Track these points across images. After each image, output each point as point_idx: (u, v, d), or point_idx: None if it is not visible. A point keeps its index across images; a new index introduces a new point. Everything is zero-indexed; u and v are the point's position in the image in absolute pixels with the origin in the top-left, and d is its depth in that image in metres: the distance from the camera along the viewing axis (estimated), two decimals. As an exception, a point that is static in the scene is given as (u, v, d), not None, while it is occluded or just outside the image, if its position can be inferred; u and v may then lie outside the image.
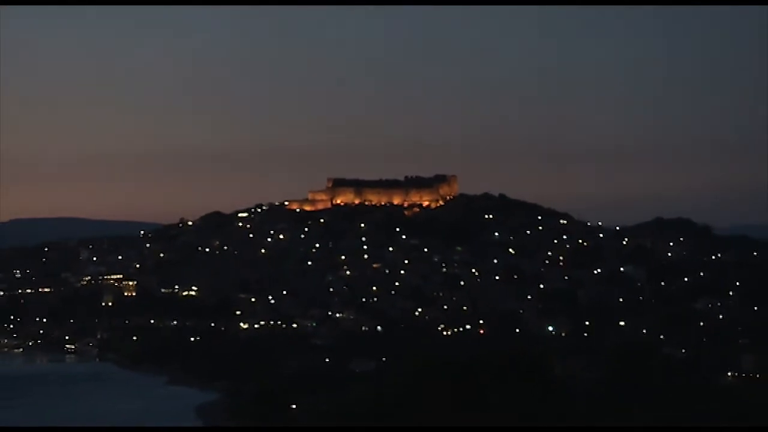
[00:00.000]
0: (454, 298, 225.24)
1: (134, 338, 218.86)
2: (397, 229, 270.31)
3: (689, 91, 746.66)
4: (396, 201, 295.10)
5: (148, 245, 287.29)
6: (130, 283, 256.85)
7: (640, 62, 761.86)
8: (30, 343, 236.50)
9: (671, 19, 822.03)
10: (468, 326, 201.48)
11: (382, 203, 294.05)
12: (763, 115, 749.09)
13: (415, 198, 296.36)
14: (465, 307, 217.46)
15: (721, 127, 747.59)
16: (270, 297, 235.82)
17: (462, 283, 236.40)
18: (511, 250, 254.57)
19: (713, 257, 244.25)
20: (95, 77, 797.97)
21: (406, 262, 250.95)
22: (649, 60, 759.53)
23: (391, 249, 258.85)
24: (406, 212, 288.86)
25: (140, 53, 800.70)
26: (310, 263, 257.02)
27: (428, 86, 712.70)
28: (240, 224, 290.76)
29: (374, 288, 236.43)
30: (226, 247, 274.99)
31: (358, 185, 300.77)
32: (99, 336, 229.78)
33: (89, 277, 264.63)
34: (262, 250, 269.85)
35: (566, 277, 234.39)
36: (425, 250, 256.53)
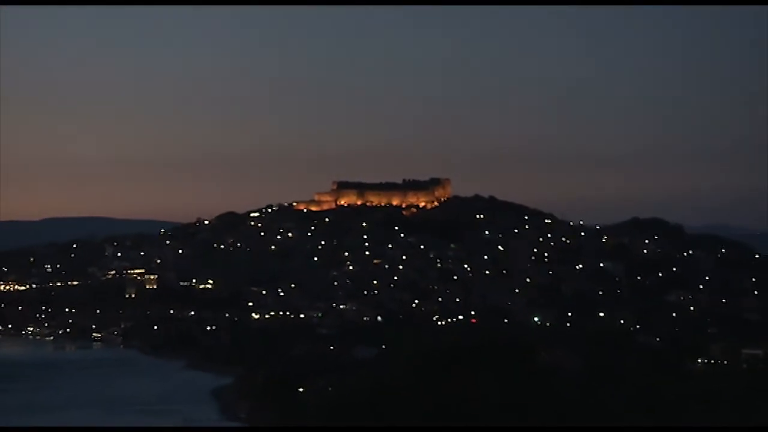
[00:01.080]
0: (447, 291, 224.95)
1: (155, 327, 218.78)
2: (396, 228, 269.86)
3: (662, 102, 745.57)
4: (395, 202, 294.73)
5: (167, 242, 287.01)
6: (152, 276, 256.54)
7: (614, 76, 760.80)
8: (60, 332, 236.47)
9: (640, 33, 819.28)
10: (461, 317, 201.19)
11: (382, 204, 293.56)
12: (731, 124, 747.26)
13: (412, 199, 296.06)
14: (458, 300, 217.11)
15: (692, 135, 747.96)
16: (279, 290, 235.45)
17: (455, 277, 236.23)
18: (500, 247, 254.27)
19: (685, 254, 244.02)
20: (121, 88, 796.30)
21: (404, 258, 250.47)
22: (623, 74, 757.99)
23: (390, 246, 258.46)
24: (404, 212, 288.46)
25: (162, 66, 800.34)
26: (316, 259, 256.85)
27: (425, 97, 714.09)
28: (252, 223, 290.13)
29: (375, 282, 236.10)
30: (239, 245, 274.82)
31: (360, 187, 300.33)
32: (123, 325, 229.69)
33: (114, 272, 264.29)
34: (272, 247, 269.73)
35: (550, 272, 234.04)
36: (421, 247, 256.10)
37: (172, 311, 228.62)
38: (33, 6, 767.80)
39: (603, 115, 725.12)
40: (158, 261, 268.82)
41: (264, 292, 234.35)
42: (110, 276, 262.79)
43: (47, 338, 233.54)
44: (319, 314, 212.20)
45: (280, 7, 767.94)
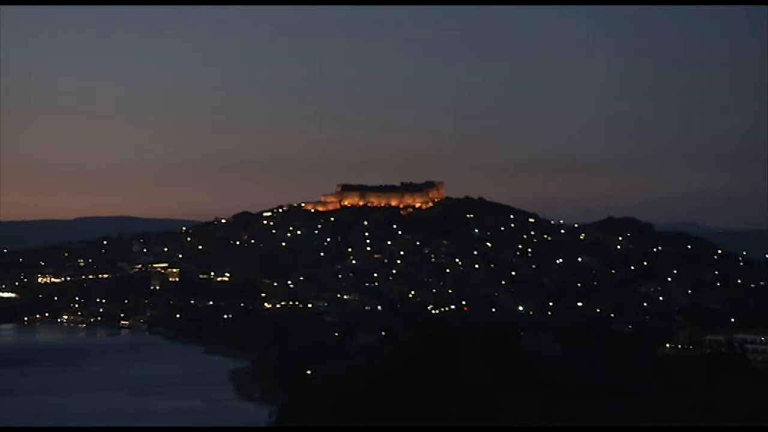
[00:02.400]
0: (441, 283, 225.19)
1: (177, 315, 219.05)
2: (394, 227, 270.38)
3: (635, 109, 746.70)
4: (393, 203, 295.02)
5: (188, 239, 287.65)
6: (174, 270, 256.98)
7: (588, 85, 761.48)
8: (92, 320, 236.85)
9: (612, 48, 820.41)
10: (452, 306, 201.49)
11: (382, 205, 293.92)
12: (698, 132, 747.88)
13: (409, 200, 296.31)
14: (450, 291, 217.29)
15: (661, 140, 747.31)
16: (289, 282, 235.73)
17: (447, 270, 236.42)
18: (488, 243, 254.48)
19: (654, 250, 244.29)
20: (150, 99, 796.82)
21: (402, 253, 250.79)
22: (596, 82, 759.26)
23: (389, 243, 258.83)
24: (401, 212, 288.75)
25: (185, 78, 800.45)
26: (322, 254, 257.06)
27: (421, 108, 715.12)
28: (264, 222, 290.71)
29: (375, 275, 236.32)
30: (253, 241, 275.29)
31: (362, 190, 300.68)
32: (148, 314, 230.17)
33: (140, 266, 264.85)
34: (283, 244, 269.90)
35: (533, 266, 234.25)
36: (417, 243, 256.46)
37: (192, 301, 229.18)
38: (67, 22, 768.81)
39: (581, 125, 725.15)
40: (180, 256, 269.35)
41: (275, 284, 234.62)
42: (137, 269, 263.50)
43: (80, 325, 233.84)
44: (325, 304, 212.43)
45: (294, 21, 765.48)
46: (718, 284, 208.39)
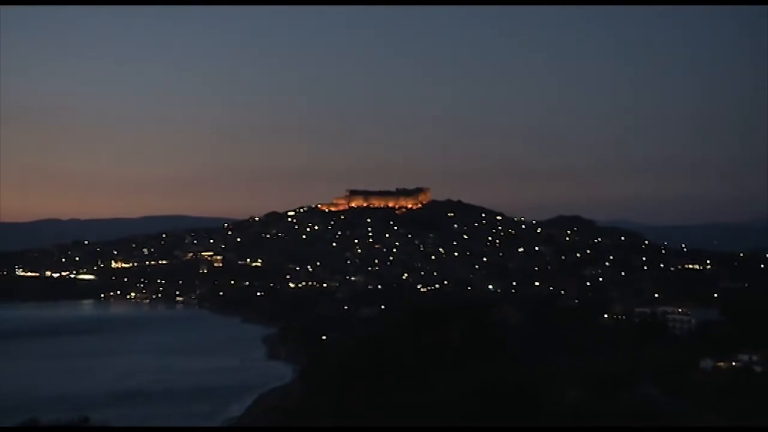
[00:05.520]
0: (428, 268, 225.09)
1: (220, 293, 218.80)
2: (391, 223, 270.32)
3: (581, 126, 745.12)
4: (390, 204, 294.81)
5: (229, 233, 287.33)
6: (218, 257, 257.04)
7: (545, 104, 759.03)
8: (153, 296, 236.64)
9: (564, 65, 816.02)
10: (437, 285, 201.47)
11: (381, 206, 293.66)
12: (630, 140, 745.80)
13: (402, 203, 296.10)
14: (435, 273, 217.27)
15: (601, 152, 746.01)
16: (308, 266, 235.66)
17: (433, 257, 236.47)
18: (465, 236, 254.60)
19: (595, 241, 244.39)
20: (200, 121, 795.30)
21: (397, 244, 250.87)
22: (549, 103, 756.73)
23: (387, 236, 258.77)
24: (397, 212, 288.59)
25: (228, 100, 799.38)
26: (334, 245, 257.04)
27: (412, 125, 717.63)
28: (289, 219, 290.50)
29: (376, 261, 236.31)
30: (279, 235, 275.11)
31: (366, 194, 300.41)
32: (198, 292, 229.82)
33: (191, 254, 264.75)
34: (303, 237, 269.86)
35: (500, 254, 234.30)
36: (409, 236, 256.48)
37: (232, 282, 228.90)
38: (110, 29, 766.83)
39: (538, 140, 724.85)
40: (222, 246, 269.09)
41: (297, 268, 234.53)
42: (189, 257, 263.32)
43: (144, 301, 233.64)
44: (336, 284, 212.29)
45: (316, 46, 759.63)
46: (645, 268, 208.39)
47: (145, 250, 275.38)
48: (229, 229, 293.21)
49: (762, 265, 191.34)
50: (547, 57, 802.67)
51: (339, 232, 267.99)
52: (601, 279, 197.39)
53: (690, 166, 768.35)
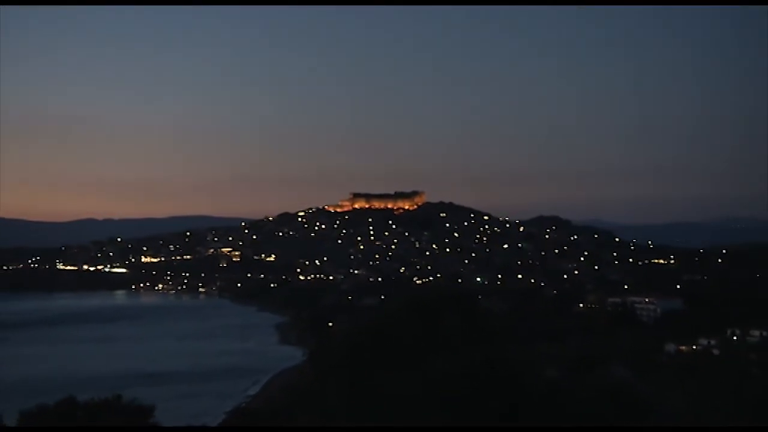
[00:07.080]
0: (423, 262, 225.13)
1: (238, 285, 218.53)
2: (390, 222, 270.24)
3: (559, 132, 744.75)
4: (389, 206, 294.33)
5: (246, 231, 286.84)
6: (236, 253, 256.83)
7: (528, 116, 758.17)
8: (179, 288, 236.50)
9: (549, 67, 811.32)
10: (431, 278, 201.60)
11: (381, 207, 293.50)
12: (604, 146, 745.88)
13: (400, 204, 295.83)
14: (429, 267, 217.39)
15: (575, 159, 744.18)
16: (316, 261, 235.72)
17: (427, 253, 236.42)
18: (456, 234, 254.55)
19: (572, 238, 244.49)
20: (218, 130, 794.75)
21: (395, 241, 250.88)
22: (531, 114, 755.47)
23: (386, 234, 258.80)
24: (395, 213, 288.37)
25: (240, 111, 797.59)
26: (339, 242, 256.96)
27: (409, 139, 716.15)
28: (299, 219, 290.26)
29: (377, 256, 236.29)
30: (291, 233, 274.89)
31: (367, 197, 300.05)
32: (218, 284, 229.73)
33: (213, 250, 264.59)
34: (312, 235, 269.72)
35: (487, 250, 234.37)
36: (406, 234, 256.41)
37: (249, 275, 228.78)
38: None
39: (519, 149, 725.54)
40: (240, 243, 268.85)
41: (307, 263, 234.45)
42: (210, 253, 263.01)
43: (170, 292, 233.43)
44: (342, 277, 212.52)
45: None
46: (616, 262, 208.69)
47: (171, 247, 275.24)
48: (246, 228, 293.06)
49: (719, 260, 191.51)
50: (533, 69, 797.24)
51: (344, 231, 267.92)
52: (576, 272, 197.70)
53: (652, 171, 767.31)
